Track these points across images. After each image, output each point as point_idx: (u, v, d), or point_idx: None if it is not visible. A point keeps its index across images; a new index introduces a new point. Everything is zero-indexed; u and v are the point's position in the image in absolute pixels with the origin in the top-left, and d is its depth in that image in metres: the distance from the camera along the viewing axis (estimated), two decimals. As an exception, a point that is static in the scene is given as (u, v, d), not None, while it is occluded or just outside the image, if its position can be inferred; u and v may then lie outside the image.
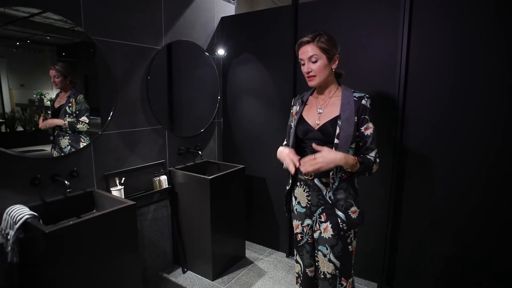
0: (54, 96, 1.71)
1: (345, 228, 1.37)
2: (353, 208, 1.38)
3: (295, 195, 1.52)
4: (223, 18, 2.67)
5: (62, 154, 1.71)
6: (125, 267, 1.61)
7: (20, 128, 1.59)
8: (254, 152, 2.66)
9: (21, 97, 1.59)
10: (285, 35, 2.33)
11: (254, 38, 2.51)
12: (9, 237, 1.39)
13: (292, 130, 1.48)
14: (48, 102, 1.71)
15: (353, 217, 1.37)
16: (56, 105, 1.72)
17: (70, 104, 1.73)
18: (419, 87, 1.86)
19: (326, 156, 1.24)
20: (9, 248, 1.39)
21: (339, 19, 2.09)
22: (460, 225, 1.83)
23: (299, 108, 1.50)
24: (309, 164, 1.25)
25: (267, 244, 2.74)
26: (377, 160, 1.37)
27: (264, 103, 2.55)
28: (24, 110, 1.61)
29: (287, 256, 2.59)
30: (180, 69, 2.38)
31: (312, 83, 1.39)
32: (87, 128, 1.79)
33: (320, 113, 1.42)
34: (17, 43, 1.55)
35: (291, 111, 1.57)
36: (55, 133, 1.72)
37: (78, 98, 1.75)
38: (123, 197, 1.90)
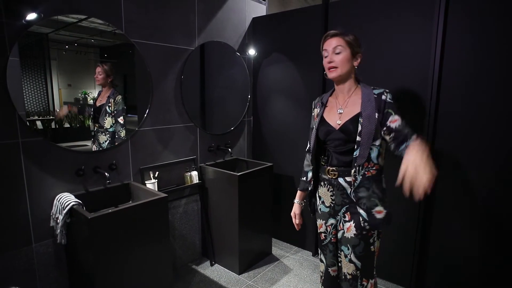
0: (96, 95, 1.86)
1: (367, 227, 1.34)
2: (378, 208, 1.34)
3: (319, 195, 1.52)
4: (254, 19, 2.72)
5: (101, 148, 1.85)
6: (157, 255, 1.72)
7: (67, 125, 1.75)
8: (283, 151, 2.69)
9: (68, 96, 1.74)
10: (315, 35, 2.33)
11: (284, 38, 2.54)
12: (58, 221, 1.55)
13: (313, 133, 1.48)
14: (91, 101, 1.86)
15: (377, 217, 1.34)
16: (98, 103, 1.87)
17: (109, 104, 1.87)
18: (453, 87, 1.78)
19: (414, 163, 1.06)
20: (58, 230, 1.55)
21: (370, 19, 2.05)
22: (497, 229, 1.72)
23: (320, 110, 1.49)
24: (417, 186, 1.03)
25: (293, 242, 2.76)
26: (414, 136, 1.27)
27: (294, 102, 2.56)
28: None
29: (313, 255, 2.59)
30: (212, 69, 2.47)
31: (332, 74, 1.38)
32: (123, 128, 1.93)
33: (340, 113, 1.41)
34: (66, 46, 1.70)
35: (312, 114, 1.56)
36: (95, 129, 1.86)
37: (116, 98, 1.89)
38: (156, 190, 2.02)
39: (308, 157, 1.56)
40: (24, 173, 1.55)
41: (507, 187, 1.68)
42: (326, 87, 2.34)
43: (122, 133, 1.92)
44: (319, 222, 1.53)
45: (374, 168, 1.34)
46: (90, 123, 1.84)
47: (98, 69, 1.82)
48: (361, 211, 1.35)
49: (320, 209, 1.52)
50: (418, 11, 1.86)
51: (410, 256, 2.04)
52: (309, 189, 1.57)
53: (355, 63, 1.37)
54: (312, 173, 1.54)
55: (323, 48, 1.41)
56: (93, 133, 1.85)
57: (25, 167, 1.55)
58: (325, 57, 1.40)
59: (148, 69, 2.02)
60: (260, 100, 2.80)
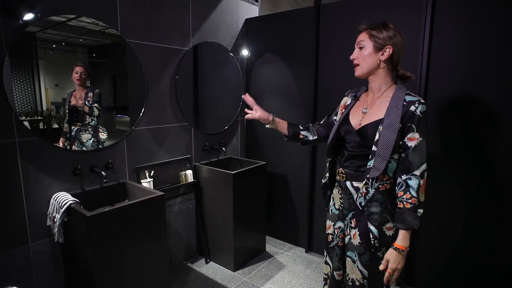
0: (68, 96, 1.75)
1: (376, 244, 1.24)
2: (389, 224, 1.23)
3: (332, 195, 1.47)
4: (247, 20, 2.76)
5: (84, 148, 1.79)
6: (154, 252, 1.75)
7: (55, 125, 1.71)
8: (275, 150, 2.74)
9: (56, 96, 1.71)
10: (307, 36, 2.39)
11: (277, 39, 2.59)
12: (55, 220, 1.56)
13: (335, 127, 1.38)
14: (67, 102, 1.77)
15: (387, 234, 1.23)
16: (73, 102, 1.76)
17: (88, 98, 1.80)
18: (441, 80, 1.87)
19: (394, 261, 1.17)
20: (56, 229, 1.56)
21: (361, 20, 2.10)
22: (479, 223, 1.82)
23: (350, 102, 1.39)
24: (393, 279, 1.20)
25: (286, 239, 2.81)
26: (421, 181, 1.15)
27: (286, 102, 2.62)
28: (58, 108, 1.73)
29: (306, 252, 2.65)
30: (206, 69, 2.50)
31: (355, 73, 1.29)
32: (98, 113, 1.84)
33: (364, 113, 1.29)
34: (53, 46, 1.67)
35: (341, 102, 1.46)
36: (75, 129, 1.78)
37: (95, 91, 1.83)
38: (152, 188, 2.04)
39: (314, 126, 1.55)
40: (20, 172, 1.56)
41: (495, 182, 1.76)
42: (318, 87, 2.40)
43: (95, 113, 1.83)
44: (328, 223, 1.47)
45: (388, 182, 1.23)
46: (65, 124, 1.74)
47: (81, 69, 1.74)
48: (372, 227, 1.24)
49: (331, 210, 1.46)
50: (407, 10, 1.93)
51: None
52: (289, 131, 1.53)
53: (382, 57, 1.23)
54: (307, 135, 1.54)
55: None
56: (68, 135, 1.76)
57: (21, 167, 1.56)
58: None
59: (143, 69, 2.04)
60: (253, 100, 2.83)
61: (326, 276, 1.51)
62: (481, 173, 1.79)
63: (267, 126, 1.55)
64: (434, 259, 2.00)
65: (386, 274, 1.19)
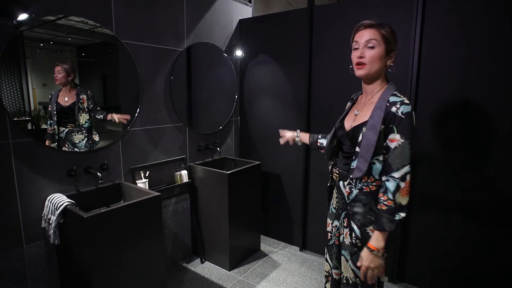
0: (53, 97, 1.69)
1: (359, 244, 1.24)
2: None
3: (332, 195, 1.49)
4: (241, 21, 2.78)
5: (76, 149, 1.77)
6: (151, 252, 1.75)
7: (44, 126, 1.67)
8: (269, 149, 2.77)
9: (43, 96, 1.67)
10: (301, 37, 2.42)
11: (271, 40, 2.61)
12: (51, 221, 1.55)
13: (332, 130, 1.40)
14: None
15: (371, 235, 1.21)
16: (64, 104, 1.73)
17: (81, 101, 1.78)
18: (434, 88, 1.92)
19: (365, 260, 1.19)
20: (52, 231, 1.55)
21: (353, 22, 2.14)
22: (472, 220, 1.87)
23: (349, 105, 1.41)
24: (368, 277, 1.21)
25: (281, 238, 2.84)
26: (402, 184, 1.12)
27: (280, 102, 2.64)
28: (46, 108, 1.68)
29: (300, 250, 2.68)
30: (201, 70, 2.51)
31: (359, 72, 1.22)
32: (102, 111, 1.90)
33: (356, 115, 1.30)
34: (41, 44, 1.63)
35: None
36: (66, 130, 1.75)
37: (88, 93, 1.81)
38: (147, 189, 2.04)
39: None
40: (15, 174, 1.54)
41: (482, 180, 1.83)
42: (311, 87, 2.43)
43: (102, 116, 1.88)
44: (328, 221, 1.50)
45: (374, 183, 1.21)
46: (54, 127, 1.69)
47: (57, 68, 1.70)
48: (355, 227, 1.25)
49: (330, 209, 1.49)
50: (399, 12, 1.98)
51: (391, 248, 2.16)
52: (310, 141, 1.61)
53: (388, 62, 1.21)
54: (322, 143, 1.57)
55: (354, 40, 1.24)
56: (57, 137, 1.71)
57: (15, 168, 1.54)
58: (355, 49, 1.23)
59: (138, 70, 2.03)
60: (247, 100, 2.86)
61: (327, 274, 1.53)
62: (479, 172, 1.84)
63: (297, 142, 1.68)
64: (434, 258, 2.05)
65: (361, 270, 1.21)
